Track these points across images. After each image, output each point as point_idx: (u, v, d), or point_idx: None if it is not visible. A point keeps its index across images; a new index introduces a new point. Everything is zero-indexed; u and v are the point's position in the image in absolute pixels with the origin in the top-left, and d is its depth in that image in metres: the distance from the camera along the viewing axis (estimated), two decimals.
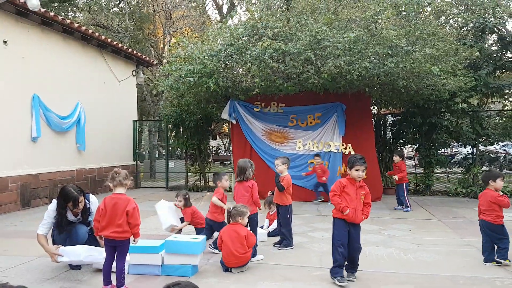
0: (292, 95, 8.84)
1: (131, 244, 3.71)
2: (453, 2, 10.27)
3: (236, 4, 20.91)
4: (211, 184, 11.82)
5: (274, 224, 5.88)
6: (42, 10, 8.54)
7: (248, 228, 4.61)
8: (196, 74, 8.07)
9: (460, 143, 11.28)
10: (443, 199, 9.56)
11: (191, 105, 10.36)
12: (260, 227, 5.69)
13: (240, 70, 8.40)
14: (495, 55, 10.07)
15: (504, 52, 10.09)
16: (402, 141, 11.26)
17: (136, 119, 13.29)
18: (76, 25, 9.87)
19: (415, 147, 11.20)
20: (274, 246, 5.25)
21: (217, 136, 16.95)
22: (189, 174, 12.41)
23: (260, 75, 7.80)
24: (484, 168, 11.41)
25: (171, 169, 13.40)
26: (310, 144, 9.33)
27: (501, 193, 4.51)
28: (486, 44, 10.24)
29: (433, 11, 9.69)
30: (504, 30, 9.98)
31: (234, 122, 9.73)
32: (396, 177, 8.12)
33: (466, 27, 10.21)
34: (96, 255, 4.10)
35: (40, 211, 7.54)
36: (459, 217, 7.24)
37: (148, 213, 7.08)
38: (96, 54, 11.09)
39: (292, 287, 3.83)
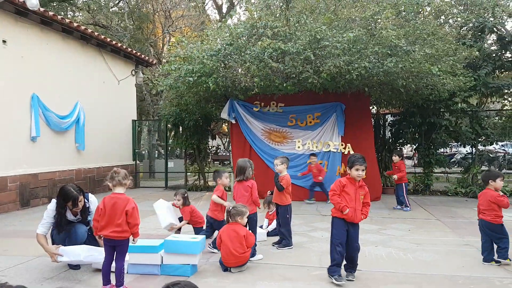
0: (291, 95, 8.84)
1: (130, 244, 3.71)
2: (453, 2, 10.28)
3: (235, 3, 20.89)
4: (210, 183, 11.82)
5: (274, 224, 5.88)
6: (41, 9, 8.53)
7: (248, 227, 4.61)
8: (195, 74, 8.07)
9: (459, 143, 11.29)
10: (442, 199, 9.57)
11: (191, 104, 10.36)
12: (259, 227, 5.69)
13: (239, 70, 8.40)
14: (494, 55, 10.08)
15: (503, 52, 10.10)
16: (401, 140, 11.27)
17: (136, 119, 13.28)
18: (75, 24, 9.86)
19: (415, 146, 11.21)
20: (273, 245, 5.25)
21: (217, 136, 16.91)
22: (188, 173, 12.40)
23: (259, 75, 7.80)
24: (483, 168, 11.43)
25: (170, 168, 13.40)
26: (309, 143, 9.33)
27: (501, 193, 4.51)
28: (486, 44, 10.24)
29: (433, 11, 9.69)
30: (504, 30, 9.98)
31: (233, 121, 9.72)
32: (395, 176, 8.13)
33: (466, 27, 10.21)
34: (96, 255, 4.09)
35: (39, 211, 7.54)
36: (458, 217, 7.25)
37: (147, 212, 7.07)
38: (95, 53, 11.08)
39: (292, 287, 3.83)
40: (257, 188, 5.04)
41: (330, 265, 3.94)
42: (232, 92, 9.04)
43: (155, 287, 3.78)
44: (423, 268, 4.33)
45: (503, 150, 16.28)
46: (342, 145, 9.21)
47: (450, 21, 10.57)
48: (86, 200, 4.35)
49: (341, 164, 9.11)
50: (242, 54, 7.88)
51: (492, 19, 9.78)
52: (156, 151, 20.33)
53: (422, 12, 9.53)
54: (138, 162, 13.36)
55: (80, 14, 20.37)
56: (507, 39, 9.74)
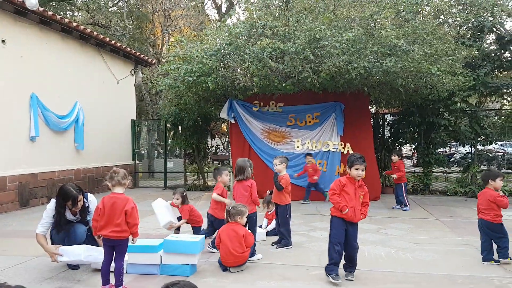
0: (290, 95, 8.84)
1: (129, 244, 3.71)
2: (452, 1, 10.29)
3: (234, 3, 20.88)
4: (209, 183, 11.82)
5: (273, 224, 5.88)
6: (41, 9, 8.53)
7: (247, 227, 4.61)
8: (194, 74, 8.06)
9: (458, 143, 11.31)
10: (441, 199, 9.58)
11: (190, 104, 10.35)
12: (259, 227, 5.69)
13: (238, 70, 8.40)
14: (493, 54, 10.08)
15: (502, 52, 10.10)
16: (400, 140, 11.28)
17: (135, 119, 13.27)
18: (74, 24, 9.85)
19: (414, 146, 11.21)
20: (272, 245, 5.25)
21: (216, 136, 16.90)
22: (187, 173, 12.40)
23: (258, 75, 7.80)
24: (483, 167, 11.44)
25: (169, 168, 13.39)
26: (308, 143, 9.33)
27: (502, 193, 4.51)
28: (485, 44, 10.25)
29: (432, 10, 9.70)
30: (503, 30, 9.99)
31: (232, 121, 9.72)
32: (394, 176, 8.13)
33: (465, 27, 10.22)
34: (96, 254, 4.09)
35: (38, 211, 7.53)
36: (458, 216, 7.26)
37: (146, 212, 7.07)
38: (94, 53, 11.07)
39: (291, 287, 3.83)
40: (257, 187, 5.04)
41: (328, 263, 3.95)
42: (232, 91, 9.04)
43: (154, 287, 3.78)
44: (422, 268, 4.33)
45: (502, 149, 16.31)
46: (341, 144, 9.22)
47: (449, 20, 10.58)
48: (85, 200, 4.35)
49: (340, 164, 9.11)
50: (241, 53, 7.87)
51: (491, 18, 9.79)
52: (156, 151, 20.31)
53: (421, 11, 9.53)
54: (137, 162, 13.36)
55: (79, 13, 20.35)
56: (506, 39, 9.74)
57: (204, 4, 22.80)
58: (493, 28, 9.88)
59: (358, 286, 3.83)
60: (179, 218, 5.72)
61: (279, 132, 9.54)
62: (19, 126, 8.44)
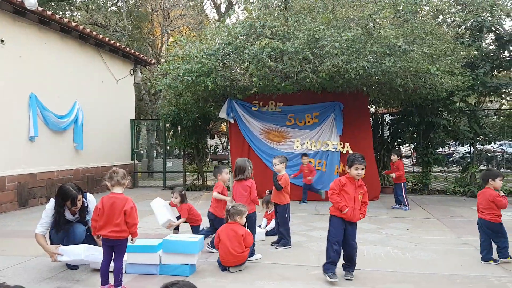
0: (290, 94, 8.84)
1: (129, 244, 3.71)
2: (451, 1, 10.29)
3: (234, 3, 20.87)
4: (209, 183, 11.82)
5: (272, 224, 5.88)
6: (40, 9, 8.52)
7: (246, 227, 4.61)
8: (194, 73, 8.06)
9: (457, 142, 11.32)
10: (440, 198, 9.58)
11: (189, 104, 10.34)
12: (258, 226, 5.69)
13: (238, 69, 8.39)
14: (492, 54, 10.10)
15: (501, 51, 10.11)
16: (400, 140, 11.28)
17: (134, 118, 13.27)
18: (73, 24, 9.84)
19: (413, 146, 11.22)
20: (272, 245, 5.25)
21: (215, 135, 16.91)
22: (187, 173, 12.40)
23: (258, 74, 7.79)
24: (482, 167, 11.45)
25: (169, 168, 13.39)
26: (308, 143, 9.33)
27: (502, 193, 4.51)
28: (484, 43, 10.25)
29: (431, 10, 9.70)
30: (502, 29, 10.00)
31: (232, 121, 9.72)
32: (393, 175, 8.15)
33: (464, 26, 10.23)
34: (97, 254, 4.08)
35: (37, 211, 7.53)
36: (457, 216, 7.26)
37: (145, 212, 7.07)
38: (93, 53, 11.06)
39: (290, 286, 3.83)
40: (256, 187, 5.03)
41: (326, 262, 3.96)
42: (231, 91, 9.03)
43: (153, 287, 3.78)
44: (422, 267, 4.34)
45: (501, 149, 16.32)
46: (340, 144, 9.22)
47: (448, 20, 10.59)
48: (84, 199, 4.35)
49: (339, 164, 9.11)
50: (241, 53, 7.87)
51: (490, 18, 9.81)
52: (155, 151, 20.31)
53: (420, 11, 9.54)
54: (136, 161, 13.35)
55: (79, 13, 20.33)
56: (505, 39, 9.76)
57: (203, 4, 22.80)
58: (492, 28, 9.89)
59: (357, 285, 3.83)
60: (178, 218, 5.71)
61: (279, 132, 9.54)
62: (18, 126, 8.43)
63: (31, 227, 5.06)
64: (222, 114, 9.81)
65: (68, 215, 4.31)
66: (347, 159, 4.07)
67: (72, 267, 4.28)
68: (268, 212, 6.15)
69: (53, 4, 17.17)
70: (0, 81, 8.02)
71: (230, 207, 4.47)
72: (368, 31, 7.68)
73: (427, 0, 9.20)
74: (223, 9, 22.14)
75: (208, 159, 13.25)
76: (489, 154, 12.57)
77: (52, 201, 4.27)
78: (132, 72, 12.74)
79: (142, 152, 19.97)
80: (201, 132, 11.92)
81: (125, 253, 3.73)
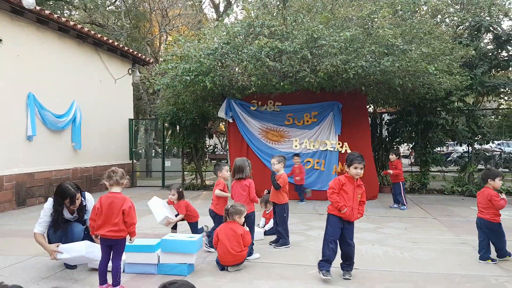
0: (288, 94, 8.84)
1: (127, 243, 3.70)
2: (449, 1, 10.31)
3: (232, 2, 20.86)
4: (207, 182, 11.81)
5: (271, 223, 5.88)
6: (38, 8, 8.50)
7: (245, 226, 4.61)
8: (192, 73, 8.05)
9: (455, 142, 11.34)
10: (438, 198, 9.60)
11: (188, 103, 10.34)
12: (256, 226, 5.69)
13: (236, 69, 8.39)
14: (490, 54, 10.12)
15: (499, 51, 10.13)
16: (398, 139, 11.30)
17: (132, 118, 13.25)
18: (71, 23, 9.82)
19: (411, 145, 11.23)
20: (270, 244, 5.26)
21: (214, 135, 16.90)
22: (185, 173, 12.39)
23: (256, 74, 7.79)
24: (480, 166, 11.47)
25: (167, 168, 13.37)
26: (306, 142, 9.34)
27: (503, 195, 4.50)
28: (482, 43, 10.27)
29: (429, 10, 9.71)
30: (500, 29, 10.02)
31: (230, 120, 9.72)
32: (391, 171, 8.17)
33: (462, 26, 10.25)
34: (97, 252, 4.06)
35: (35, 210, 7.51)
36: (455, 216, 7.27)
37: (144, 212, 7.06)
38: (92, 52, 11.04)
39: (289, 286, 3.83)
40: (255, 187, 5.02)
41: (321, 260, 3.97)
42: (229, 91, 9.03)
43: (151, 287, 3.77)
44: (420, 267, 4.34)
45: (499, 149, 16.35)
46: (339, 144, 9.22)
47: (447, 20, 10.60)
48: (82, 198, 4.35)
49: (337, 163, 9.12)
50: (239, 53, 7.87)
51: (488, 18, 9.82)
52: (153, 150, 20.29)
53: (418, 11, 9.56)
54: (135, 161, 13.33)
55: (77, 12, 20.29)
56: (503, 38, 9.78)
57: (202, 3, 22.78)
58: (490, 28, 9.91)
59: (355, 285, 3.84)
60: (176, 216, 5.69)
61: (277, 132, 9.54)
62: (16, 125, 8.41)
63: (29, 226, 5.05)
64: (221, 114, 9.80)
65: (66, 214, 4.30)
66: (346, 158, 4.07)
67: (71, 266, 4.28)
68: (267, 212, 6.15)
69: (51, 3, 17.13)
70: None
71: (229, 206, 4.47)
72: (366, 30, 7.68)
73: None
74: (221, 9, 22.13)
75: (206, 159, 13.25)
76: (487, 154, 12.58)
77: (50, 200, 4.26)
78: (130, 71, 12.73)
79: (140, 151, 19.94)
80: (200, 132, 11.91)
81: (123, 253, 3.73)
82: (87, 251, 4.06)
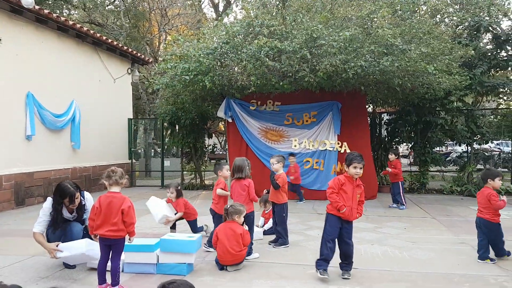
0: (288, 94, 8.84)
1: (126, 243, 3.70)
2: (448, 1, 10.31)
3: (232, 2, 20.86)
4: (207, 182, 11.81)
5: (270, 223, 5.88)
6: (37, 7, 8.48)
7: (245, 225, 4.61)
8: (191, 72, 8.05)
9: (455, 142, 11.34)
10: (438, 197, 9.61)
11: (187, 103, 10.33)
12: (255, 225, 5.68)
13: (235, 68, 8.39)
14: (489, 54, 10.12)
15: (498, 51, 10.14)
16: (397, 139, 11.30)
17: (132, 117, 13.24)
18: (71, 22, 9.81)
19: (410, 145, 11.25)
20: (269, 244, 5.26)
21: (213, 135, 16.89)
22: (184, 172, 12.38)
23: (255, 73, 7.79)
24: (479, 166, 11.49)
25: (166, 167, 13.37)
26: (305, 142, 9.34)
27: (503, 197, 4.50)
28: (481, 43, 10.29)
29: (429, 10, 9.72)
30: (499, 29, 10.02)
31: (230, 120, 9.72)
32: (389, 169, 8.18)
33: (461, 26, 10.25)
34: (97, 250, 4.04)
35: (34, 210, 7.50)
36: (454, 215, 7.28)
37: (143, 211, 7.05)
38: (91, 52, 11.03)
39: (288, 285, 3.83)
40: (254, 186, 5.02)
41: (318, 258, 3.98)
42: (229, 90, 9.02)
43: (150, 286, 3.77)
44: (419, 266, 4.35)
45: (498, 148, 16.38)
46: (338, 143, 9.23)
47: (446, 20, 10.60)
48: (82, 198, 4.34)
49: (337, 163, 9.12)
50: (239, 52, 7.87)
51: (487, 18, 9.83)
52: (152, 150, 20.26)
53: (418, 11, 9.56)
54: (134, 161, 13.32)
55: (76, 12, 20.26)
56: (502, 38, 9.78)
57: (201, 2, 22.77)
58: (490, 28, 9.92)
59: (354, 284, 3.84)
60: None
61: (276, 131, 9.55)
62: (15, 125, 8.40)
63: (28, 226, 5.04)
64: (220, 113, 9.80)
65: (65, 213, 4.30)
66: (346, 158, 4.07)
67: (70, 266, 4.27)
68: (266, 211, 6.15)
69: (50, 2, 17.11)
70: None
71: (229, 206, 4.48)
72: (366, 30, 7.68)
73: None
74: (221, 8, 22.13)
75: (206, 158, 13.24)
76: (486, 154, 12.60)
77: (49, 199, 4.26)
78: (129, 71, 12.72)
79: (139, 151, 19.92)
80: (199, 131, 11.90)
81: (123, 252, 3.73)
82: (88, 248, 4.05)
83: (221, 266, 4.26)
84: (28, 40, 8.81)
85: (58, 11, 17.54)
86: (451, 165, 14.88)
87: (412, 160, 12.95)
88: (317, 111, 9.38)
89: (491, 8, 9.68)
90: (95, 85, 11.14)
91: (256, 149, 9.50)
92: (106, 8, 19.59)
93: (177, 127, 11.99)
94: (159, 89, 10.33)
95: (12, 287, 2.00)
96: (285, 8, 8.24)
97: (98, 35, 11.07)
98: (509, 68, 10.38)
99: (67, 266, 4.28)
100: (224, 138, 20.32)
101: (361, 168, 3.94)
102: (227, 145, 10.48)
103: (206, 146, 12.80)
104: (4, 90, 8.14)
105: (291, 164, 8.86)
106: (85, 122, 10.46)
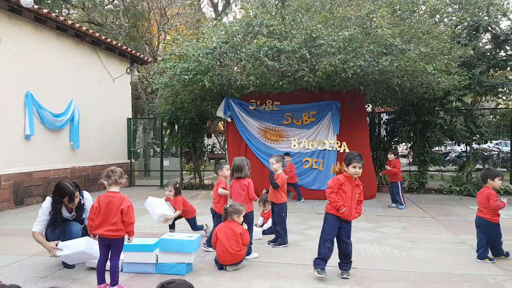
0: (287, 93, 8.84)
1: (125, 243, 3.70)
2: (448, 0, 10.32)
3: (231, 1, 20.85)
4: (206, 182, 11.80)
5: (269, 222, 5.89)
6: (36, 7, 8.47)
7: (244, 225, 4.61)
8: (190, 72, 8.04)
9: (454, 141, 11.35)
10: (437, 197, 9.61)
11: (186, 103, 10.33)
12: (254, 225, 5.68)
13: (235, 68, 8.39)
14: (488, 53, 10.14)
15: (497, 51, 10.15)
16: (396, 139, 11.32)
17: (131, 117, 13.23)
18: (69, 22, 9.80)
19: (410, 145, 11.26)
20: (269, 244, 5.26)
21: (212, 134, 16.90)
22: (184, 172, 12.38)
23: (255, 73, 7.79)
24: (478, 166, 11.50)
25: (165, 167, 13.36)
26: (305, 142, 9.35)
27: (503, 199, 4.49)
28: (480, 43, 10.30)
29: (428, 9, 9.73)
30: (498, 29, 10.03)
31: (229, 120, 9.71)
32: (388, 167, 8.18)
33: (460, 26, 10.26)
34: (96, 248, 4.03)
35: (33, 210, 7.50)
36: (453, 215, 7.28)
37: (142, 211, 7.03)
38: (90, 51, 11.02)
39: (287, 285, 3.83)
40: (253, 186, 5.02)
41: (316, 257, 3.99)
42: (228, 90, 9.02)
43: (150, 286, 3.77)
44: (418, 266, 4.35)
45: (497, 148, 16.39)
46: (337, 143, 9.23)
47: (445, 20, 10.61)
48: (81, 197, 4.34)
49: (336, 163, 9.12)
50: (238, 52, 7.86)
51: (486, 18, 9.84)
52: (152, 150, 20.26)
53: (417, 11, 9.56)
54: (133, 160, 13.32)
55: (75, 11, 20.24)
56: (501, 38, 9.79)
57: (201, 2, 22.76)
58: (489, 27, 9.93)
59: (353, 284, 3.84)
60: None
61: (276, 131, 9.55)
62: (14, 125, 8.39)
63: (27, 225, 5.04)
64: (219, 113, 9.80)
65: (64, 213, 4.30)
66: (345, 157, 4.08)
67: (69, 266, 4.27)
68: (265, 211, 6.15)
69: (49, 2, 17.08)
70: None
71: (228, 205, 4.48)
72: (365, 30, 7.68)
73: None
74: (220, 8, 22.11)
75: (205, 158, 13.24)
76: (485, 153, 12.62)
77: (48, 199, 4.26)
78: (128, 70, 12.71)
79: (138, 151, 19.92)
80: (198, 131, 11.90)
81: (122, 252, 3.73)
82: (88, 247, 4.04)
83: (220, 266, 4.26)
84: (27, 39, 8.80)
85: (57, 11, 17.52)
86: (450, 164, 14.90)
87: (411, 160, 12.97)
88: (316, 110, 9.38)
89: (490, 8, 9.69)
90: (94, 85, 11.13)
91: (256, 149, 9.50)
92: (105, 7, 19.56)
93: (176, 127, 11.99)
94: (158, 88, 10.34)
95: (11, 287, 2.00)
96: (284, 8, 8.24)
97: (97, 34, 11.06)
98: (508, 68, 10.40)
99: (66, 266, 4.28)
100: (224, 137, 20.32)
101: (360, 168, 3.94)
102: (226, 145, 10.47)
103: (205, 145, 12.80)
104: (3, 90, 8.13)
105: (286, 163, 8.86)
106: (84, 121, 10.45)
